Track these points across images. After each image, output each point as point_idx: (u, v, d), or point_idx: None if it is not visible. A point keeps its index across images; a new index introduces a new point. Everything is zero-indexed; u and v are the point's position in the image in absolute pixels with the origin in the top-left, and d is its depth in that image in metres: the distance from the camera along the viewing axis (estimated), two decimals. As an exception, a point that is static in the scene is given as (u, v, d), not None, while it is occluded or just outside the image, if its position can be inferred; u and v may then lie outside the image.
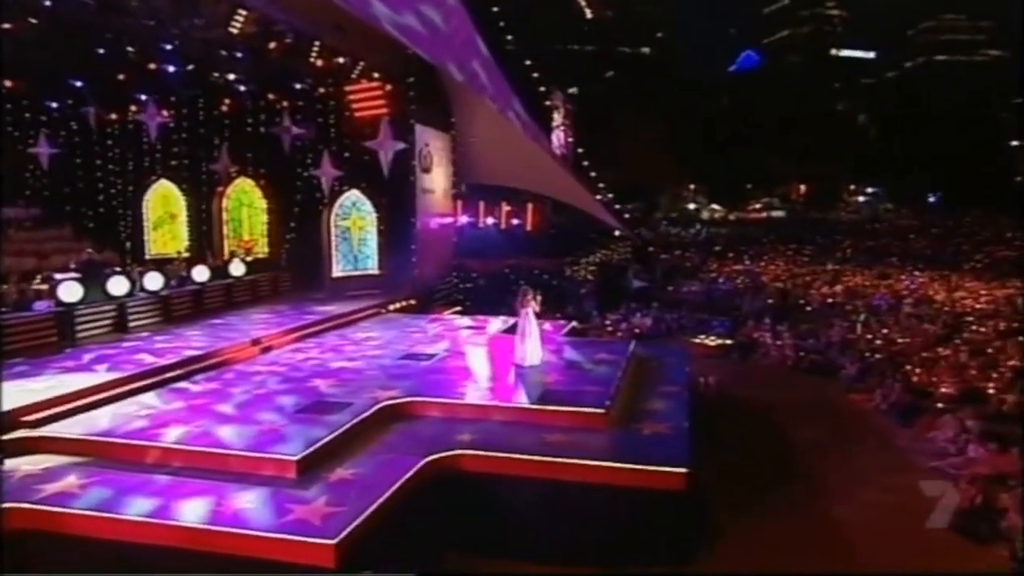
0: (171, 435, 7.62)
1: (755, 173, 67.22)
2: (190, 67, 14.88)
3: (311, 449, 7.22)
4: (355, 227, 17.94)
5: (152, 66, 14.35)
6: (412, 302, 17.75)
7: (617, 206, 27.16)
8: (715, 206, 71.65)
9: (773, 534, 7.86)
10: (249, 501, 6.37)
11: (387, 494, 6.52)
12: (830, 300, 23.80)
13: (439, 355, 11.59)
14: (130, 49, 13.35)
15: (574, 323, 16.19)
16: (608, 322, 19.98)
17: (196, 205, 19.04)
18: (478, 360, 11.36)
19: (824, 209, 66.36)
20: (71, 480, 6.82)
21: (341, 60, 15.34)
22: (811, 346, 17.36)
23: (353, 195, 17.85)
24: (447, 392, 9.34)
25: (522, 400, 8.99)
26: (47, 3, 10.67)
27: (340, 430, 7.80)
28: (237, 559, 5.69)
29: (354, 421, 8.12)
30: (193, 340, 12.01)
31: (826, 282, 27.44)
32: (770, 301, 23.28)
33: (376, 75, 17.01)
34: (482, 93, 18.35)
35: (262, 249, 18.86)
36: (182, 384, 9.77)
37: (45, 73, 15.56)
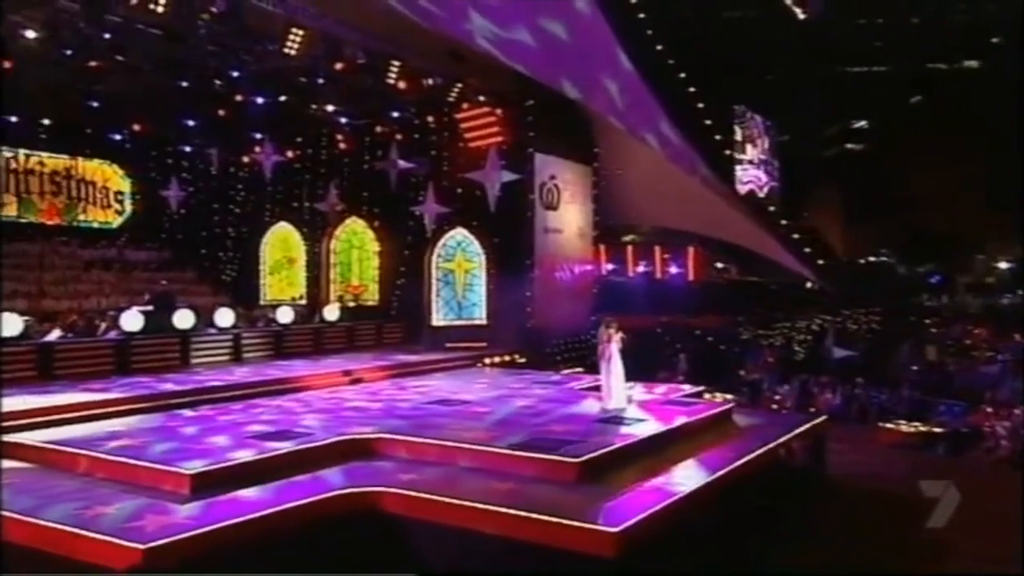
0: (106, 447, 8.73)
1: None
2: (282, 99, 17.23)
3: (212, 467, 7.85)
4: (460, 270, 18.87)
5: (239, 98, 16.92)
6: (520, 358, 18.05)
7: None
8: (1062, 269, 62.04)
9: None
10: (118, 508, 7.11)
11: (251, 516, 6.91)
12: None
13: (471, 401, 11.81)
14: (217, 82, 15.96)
15: (703, 389, 15.36)
16: (778, 396, 18.61)
17: (313, 249, 21.44)
18: (509, 407, 11.37)
19: None
20: (-6, 478, 8.12)
21: (430, 81, 16.68)
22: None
23: (459, 234, 18.87)
24: (435, 434, 9.51)
25: (499, 445, 8.87)
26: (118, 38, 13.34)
27: (264, 455, 8.38)
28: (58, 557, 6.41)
29: (291, 448, 8.66)
30: (234, 377, 13.54)
31: None
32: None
33: (482, 98, 18.12)
34: (609, 113, 18.62)
35: (372, 296, 20.55)
36: (181, 411, 11.06)
37: (163, 115, 19.05)
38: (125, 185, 23.00)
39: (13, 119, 19.73)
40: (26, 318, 13.53)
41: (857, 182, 36.05)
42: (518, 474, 8.15)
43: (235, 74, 15.37)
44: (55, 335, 14.05)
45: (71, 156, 22.02)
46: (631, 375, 14.66)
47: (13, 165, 21.07)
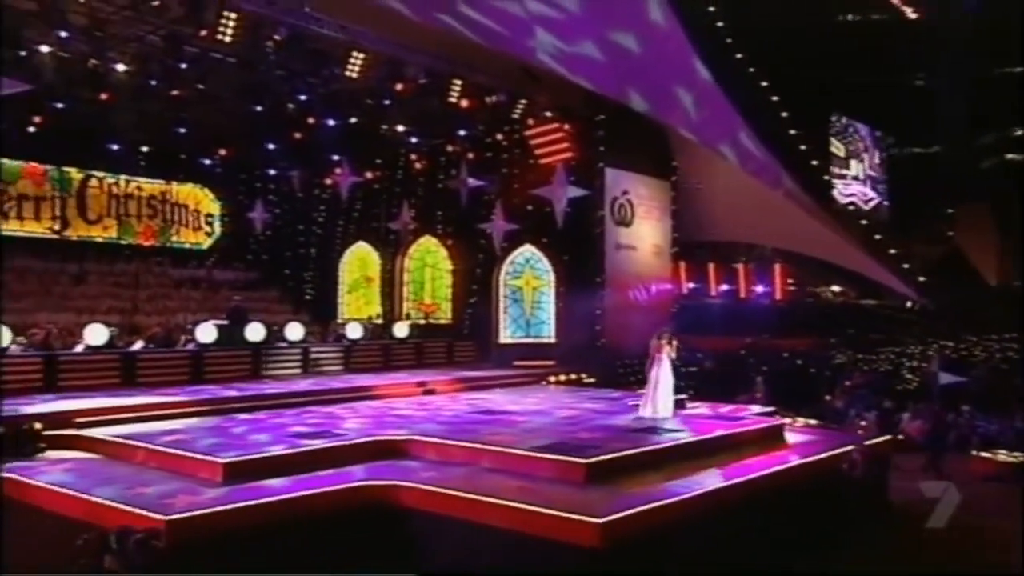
0: (160, 440, 9.99)
1: None
2: (352, 120, 18.67)
3: (244, 458, 8.95)
4: (528, 287, 19.66)
5: (311, 120, 18.46)
6: (588, 378, 18.61)
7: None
8: None
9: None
10: (156, 489, 8.27)
11: (268, 500, 7.92)
12: None
13: (515, 412, 12.57)
14: (290, 106, 17.53)
15: (773, 410, 15.50)
16: (864, 421, 18.38)
17: (387, 267, 22.77)
18: (548, 418, 12.06)
19: None
20: (65, 466, 9.49)
21: (493, 99, 17.68)
22: None
23: (527, 251, 19.70)
24: (464, 437, 10.33)
25: (519, 448, 9.60)
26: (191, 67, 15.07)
27: (294, 450, 9.43)
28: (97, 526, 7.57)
29: (322, 445, 9.70)
30: (294, 387, 14.82)
31: None
32: None
33: (548, 114, 18.99)
34: (683, 126, 19.09)
35: (444, 314, 21.63)
36: (239, 415, 12.32)
37: (247, 140, 20.93)
38: (215, 208, 25.21)
39: (115, 147, 22.09)
40: (112, 329, 15.24)
41: (1017, 197, 34.14)
42: (532, 474, 8.86)
43: (303, 98, 16.91)
44: (138, 346, 15.75)
45: (166, 181, 24.32)
46: (711, 397, 15.14)
47: (115, 190, 23.48)
